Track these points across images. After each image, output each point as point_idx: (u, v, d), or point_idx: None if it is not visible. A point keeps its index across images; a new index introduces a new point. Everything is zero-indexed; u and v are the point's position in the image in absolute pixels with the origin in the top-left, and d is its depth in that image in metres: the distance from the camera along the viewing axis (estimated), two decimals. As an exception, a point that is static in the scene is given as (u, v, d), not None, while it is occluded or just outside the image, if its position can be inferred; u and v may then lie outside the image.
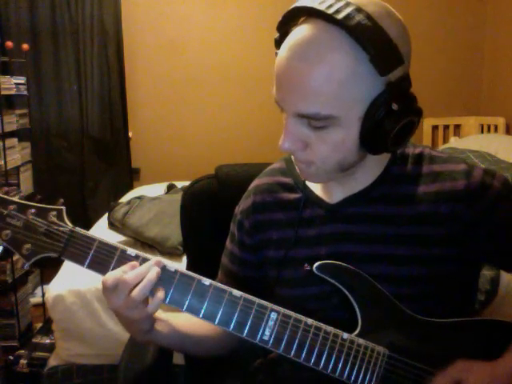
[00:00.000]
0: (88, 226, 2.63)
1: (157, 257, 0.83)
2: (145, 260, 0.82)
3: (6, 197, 0.85)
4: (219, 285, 0.82)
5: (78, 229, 0.84)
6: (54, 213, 0.85)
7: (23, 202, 0.85)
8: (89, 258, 0.82)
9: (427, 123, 3.49)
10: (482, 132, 3.39)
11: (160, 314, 0.90)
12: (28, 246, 0.84)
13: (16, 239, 0.84)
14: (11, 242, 0.84)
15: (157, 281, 0.80)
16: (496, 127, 3.29)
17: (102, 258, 0.82)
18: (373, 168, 0.87)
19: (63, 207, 0.86)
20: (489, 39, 3.49)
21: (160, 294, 0.80)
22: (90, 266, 0.83)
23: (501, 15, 3.36)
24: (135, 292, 0.78)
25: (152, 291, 0.80)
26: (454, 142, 3.10)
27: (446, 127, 3.54)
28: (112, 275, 0.78)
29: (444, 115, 3.52)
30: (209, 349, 0.99)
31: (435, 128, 3.53)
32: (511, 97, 3.24)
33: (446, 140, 3.51)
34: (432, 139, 3.51)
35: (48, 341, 2.32)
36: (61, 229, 0.84)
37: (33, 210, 0.85)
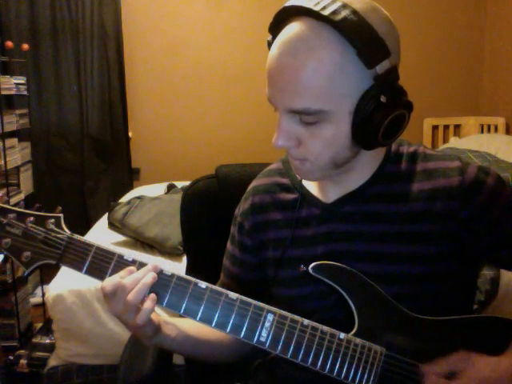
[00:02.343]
0: (88, 226, 2.63)
1: (154, 262, 0.84)
2: (142, 265, 0.83)
3: (5, 206, 0.87)
4: (215, 287, 0.83)
5: (75, 235, 0.85)
6: (52, 220, 0.86)
7: (22, 210, 0.87)
8: (86, 264, 0.83)
9: (427, 123, 3.49)
10: (482, 132, 3.39)
11: (167, 318, 0.90)
12: (27, 253, 0.85)
13: (16, 247, 0.85)
14: (11, 250, 0.85)
15: (152, 285, 0.80)
16: (496, 127, 3.29)
17: (99, 264, 0.83)
18: (367, 167, 0.87)
19: (61, 215, 0.87)
20: (489, 39, 3.49)
21: (148, 304, 0.79)
22: (87, 272, 0.84)
23: (501, 15, 3.36)
24: (131, 295, 0.78)
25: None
26: (453, 142, 3.10)
27: (446, 127, 3.54)
28: (110, 281, 0.79)
29: (444, 115, 3.52)
30: (221, 354, 0.99)
31: (435, 128, 3.53)
32: (511, 97, 3.25)
33: (446, 140, 3.51)
34: (432, 139, 3.51)
35: (48, 341, 2.32)
36: (59, 236, 0.85)
37: (31, 218, 0.86)
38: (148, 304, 0.80)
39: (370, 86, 0.74)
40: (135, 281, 0.79)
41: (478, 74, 3.56)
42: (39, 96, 3.24)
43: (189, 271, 1.23)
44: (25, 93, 2.71)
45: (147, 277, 0.80)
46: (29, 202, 2.68)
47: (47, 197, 3.15)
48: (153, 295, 0.81)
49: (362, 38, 0.72)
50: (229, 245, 1.04)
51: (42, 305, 2.58)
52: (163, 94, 3.49)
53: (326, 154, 0.79)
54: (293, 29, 0.75)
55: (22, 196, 2.61)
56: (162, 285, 0.82)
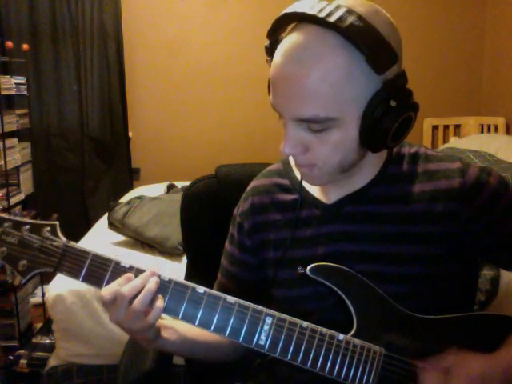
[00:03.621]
0: (88, 226, 2.62)
1: (151, 267, 0.83)
2: (139, 271, 0.82)
3: (0, 215, 0.87)
4: (214, 292, 0.83)
5: (71, 243, 0.85)
6: (48, 228, 0.86)
7: (17, 219, 0.87)
8: (83, 271, 0.83)
9: (427, 123, 3.49)
10: (482, 132, 3.39)
11: (166, 320, 0.90)
12: (24, 262, 0.85)
13: (12, 256, 0.85)
14: (7, 259, 0.85)
15: (156, 290, 0.80)
16: (496, 127, 3.29)
17: (96, 271, 0.83)
18: (369, 168, 0.87)
19: (57, 222, 0.87)
20: (489, 39, 3.49)
21: (159, 303, 0.80)
22: (84, 280, 0.84)
23: (501, 15, 3.36)
24: (136, 303, 0.78)
25: (152, 301, 0.80)
26: (454, 142, 3.10)
27: (446, 127, 3.54)
28: (108, 289, 0.79)
29: (444, 115, 3.52)
30: (220, 353, 0.99)
31: (435, 128, 3.53)
32: (511, 97, 3.24)
33: (446, 140, 3.51)
34: (432, 139, 3.51)
35: (48, 341, 2.32)
36: (55, 244, 0.85)
37: (27, 227, 0.86)
38: (159, 302, 0.80)
39: (379, 91, 0.74)
40: (133, 288, 0.79)
41: (478, 73, 3.55)
42: (39, 96, 3.23)
43: (189, 271, 1.23)
44: (25, 93, 2.71)
45: (151, 283, 0.80)
46: (29, 202, 2.68)
47: (47, 197, 3.15)
48: (159, 298, 0.81)
49: (370, 44, 0.71)
50: (227, 244, 1.04)
51: (42, 305, 2.58)
52: (163, 94, 3.49)
53: (333, 158, 0.79)
54: (298, 36, 0.74)
55: (21, 196, 2.61)
56: (159, 290, 0.81)
